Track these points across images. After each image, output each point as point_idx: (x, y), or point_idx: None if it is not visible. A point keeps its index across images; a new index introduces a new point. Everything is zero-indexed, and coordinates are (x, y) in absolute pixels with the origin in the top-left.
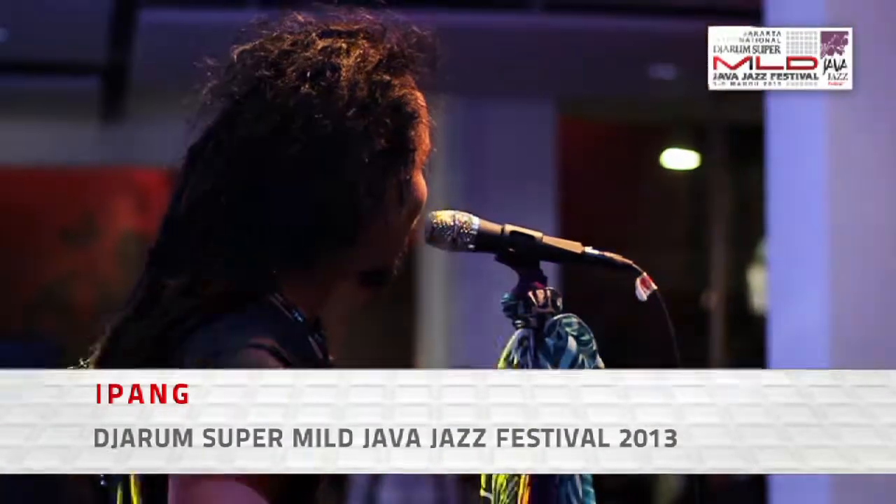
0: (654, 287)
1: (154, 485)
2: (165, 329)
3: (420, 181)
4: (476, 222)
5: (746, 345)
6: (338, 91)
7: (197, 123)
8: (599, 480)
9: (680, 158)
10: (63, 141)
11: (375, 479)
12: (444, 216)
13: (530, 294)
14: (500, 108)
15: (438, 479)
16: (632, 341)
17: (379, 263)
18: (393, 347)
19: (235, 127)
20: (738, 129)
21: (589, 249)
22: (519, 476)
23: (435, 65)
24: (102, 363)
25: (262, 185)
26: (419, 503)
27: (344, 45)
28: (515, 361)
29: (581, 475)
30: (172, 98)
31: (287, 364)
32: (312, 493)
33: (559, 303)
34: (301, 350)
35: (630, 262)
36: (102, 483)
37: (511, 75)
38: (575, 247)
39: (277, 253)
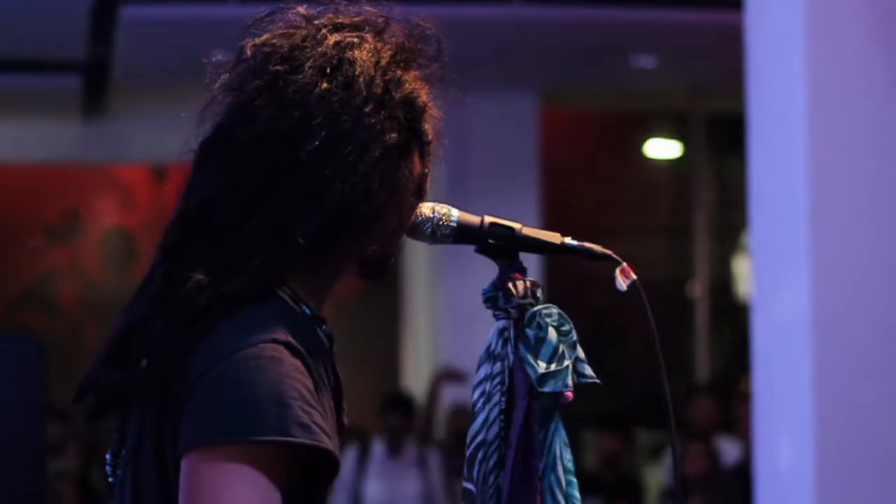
0: (634, 277)
1: (166, 467)
2: (187, 324)
3: (426, 185)
4: (455, 214)
5: (731, 334)
6: (355, 85)
7: (205, 118)
8: (588, 475)
9: (663, 148)
10: (46, 138)
11: (361, 472)
12: (424, 208)
13: (510, 285)
14: (483, 99)
15: (424, 472)
16: (613, 331)
17: (381, 255)
18: (377, 340)
19: (252, 121)
20: (720, 118)
21: (568, 240)
22: (502, 468)
23: (440, 58)
24: (114, 359)
25: (279, 180)
26: (404, 496)
27: (355, 40)
28: (497, 353)
29: (564, 466)
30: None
31: (301, 357)
32: (325, 482)
33: (539, 294)
34: (311, 343)
35: (609, 251)
36: (111, 480)
37: (493, 66)
38: (554, 238)
39: (295, 248)
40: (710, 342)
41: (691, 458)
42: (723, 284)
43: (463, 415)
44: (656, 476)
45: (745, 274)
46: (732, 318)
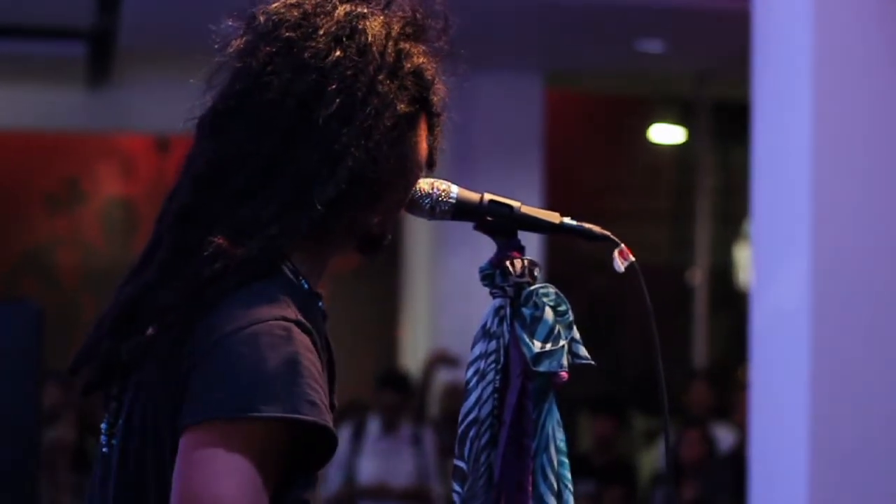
0: (632, 258)
1: (163, 439)
2: (200, 290)
3: (425, 147)
4: (454, 191)
5: (729, 321)
6: (369, 54)
7: (213, 84)
8: (581, 457)
9: (667, 133)
10: (49, 106)
11: (355, 449)
12: (423, 184)
13: (507, 263)
14: (487, 78)
15: (418, 450)
16: (611, 315)
17: (380, 229)
18: (375, 317)
19: (266, 87)
20: (725, 105)
21: (567, 220)
22: (494, 446)
23: (447, 33)
24: (120, 326)
25: (294, 145)
26: (398, 473)
27: (365, 10)
28: (492, 331)
29: (556, 446)
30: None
31: (311, 335)
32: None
33: (537, 273)
34: (312, 318)
35: (607, 233)
36: (104, 450)
37: (498, 46)
38: (553, 217)
39: (312, 214)
40: (708, 329)
41: (688, 443)
42: (723, 271)
43: (456, 394)
44: (650, 460)
45: (745, 261)
46: (732, 306)
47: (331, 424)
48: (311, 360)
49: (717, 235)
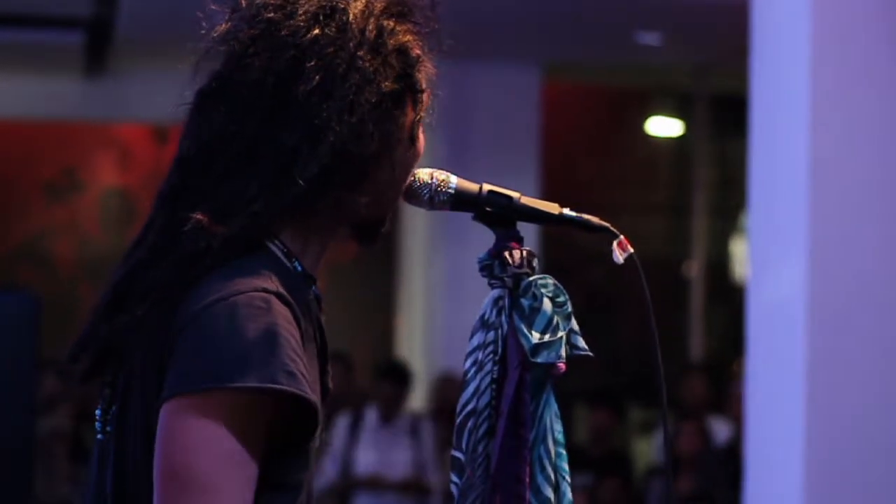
0: (631, 250)
1: (151, 419)
2: (186, 267)
3: (419, 133)
4: (454, 181)
5: (725, 315)
6: (349, 31)
7: (201, 68)
8: (577, 449)
9: (664, 126)
10: (47, 94)
11: (353, 439)
12: (422, 174)
13: (506, 254)
14: (484, 70)
15: (416, 442)
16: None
17: (374, 215)
18: (372, 307)
19: (247, 67)
20: (723, 98)
21: (566, 211)
22: (491, 437)
23: (435, 16)
24: (113, 308)
25: (276, 123)
26: (395, 464)
27: None
28: (490, 321)
29: (554, 438)
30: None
31: (291, 308)
32: (306, 435)
33: (535, 263)
34: (299, 299)
35: (607, 224)
36: (100, 437)
37: (495, 37)
38: (552, 208)
39: (295, 191)
40: (704, 322)
41: (684, 436)
42: (719, 265)
43: (449, 384)
44: (644, 450)
45: (742, 255)
46: (728, 299)
47: (309, 394)
48: (289, 332)
49: (714, 228)
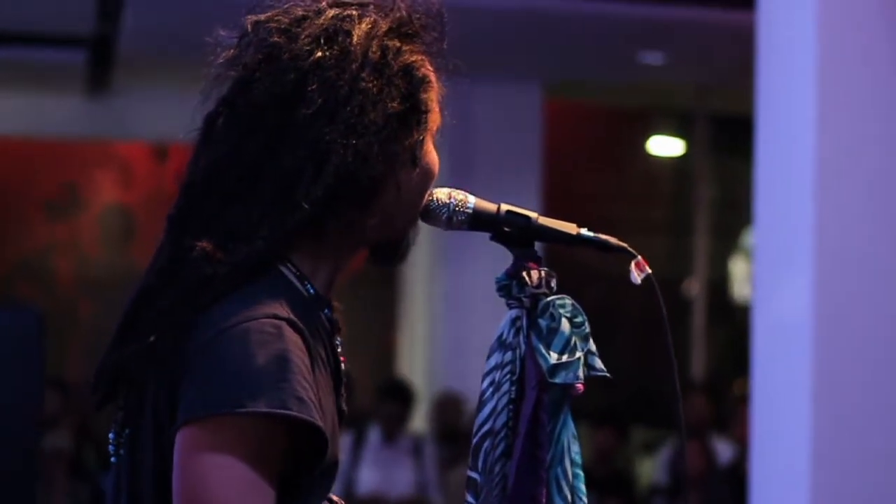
0: (649, 270)
1: (163, 444)
2: (193, 295)
3: (432, 150)
4: (472, 201)
5: (726, 334)
6: (351, 53)
7: (211, 94)
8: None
9: (665, 145)
10: (48, 112)
11: (355, 458)
12: (440, 193)
13: (524, 274)
14: (487, 88)
15: (418, 461)
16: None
17: (390, 235)
18: (373, 325)
19: (251, 91)
20: (724, 118)
21: (584, 231)
22: (508, 458)
23: (443, 36)
24: (123, 335)
25: (280, 146)
26: (398, 484)
27: (355, 13)
28: (508, 342)
29: (571, 459)
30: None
31: (301, 334)
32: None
33: (553, 284)
34: (311, 323)
35: (625, 244)
36: (113, 460)
37: (498, 56)
38: (570, 228)
39: (300, 214)
40: (705, 341)
41: (688, 456)
42: (720, 284)
43: (450, 405)
44: (646, 469)
45: (741, 274)
46: (729, 319)
47: (319, 421)
48: (300, 358)
49: (715, 247)
